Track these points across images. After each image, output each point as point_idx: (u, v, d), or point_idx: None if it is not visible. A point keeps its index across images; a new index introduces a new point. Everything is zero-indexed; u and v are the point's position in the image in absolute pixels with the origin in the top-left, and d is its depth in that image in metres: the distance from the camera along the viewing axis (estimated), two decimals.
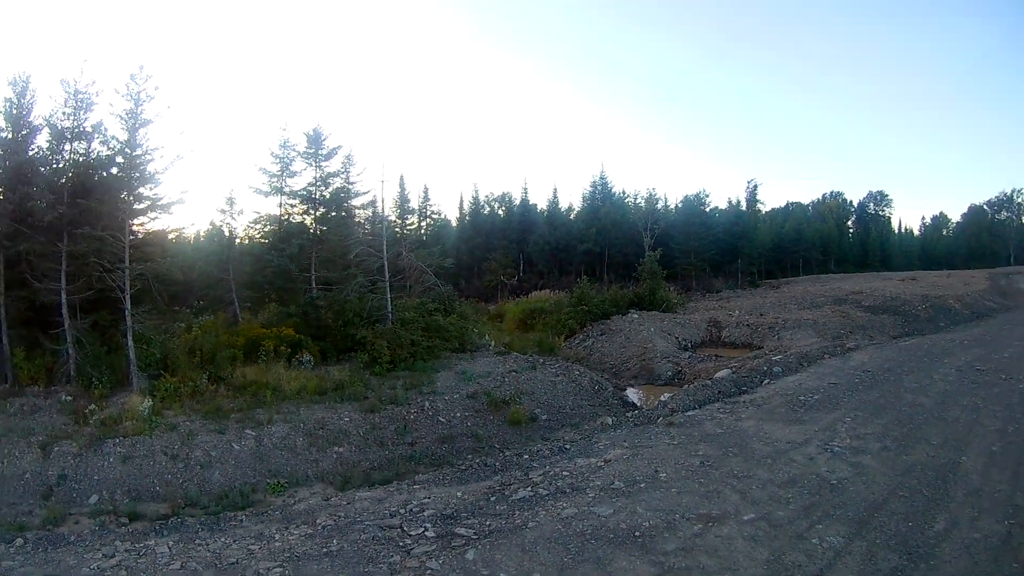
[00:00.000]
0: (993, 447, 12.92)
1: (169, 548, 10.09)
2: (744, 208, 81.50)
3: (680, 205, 77.93)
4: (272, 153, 33.58)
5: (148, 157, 22.99)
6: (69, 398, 19.86)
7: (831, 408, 16.42)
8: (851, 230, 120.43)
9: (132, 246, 22.20)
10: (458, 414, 20.78)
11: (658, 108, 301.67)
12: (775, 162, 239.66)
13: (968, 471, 11.53)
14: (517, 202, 79.84)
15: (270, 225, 34.43)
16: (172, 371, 21.44)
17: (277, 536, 10.28)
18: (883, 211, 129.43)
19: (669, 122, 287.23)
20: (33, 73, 23.12)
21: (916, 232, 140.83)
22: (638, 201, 73.92)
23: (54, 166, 23.41)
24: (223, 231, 34.80)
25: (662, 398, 22.37)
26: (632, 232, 62.77)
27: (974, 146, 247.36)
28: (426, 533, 9.81)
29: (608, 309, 41.87)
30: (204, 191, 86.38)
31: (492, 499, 11.48)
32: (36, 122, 23.19)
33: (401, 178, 69.49)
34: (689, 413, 17.48)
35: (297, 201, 34.25)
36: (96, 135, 23.37)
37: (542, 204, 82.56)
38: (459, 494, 12.04)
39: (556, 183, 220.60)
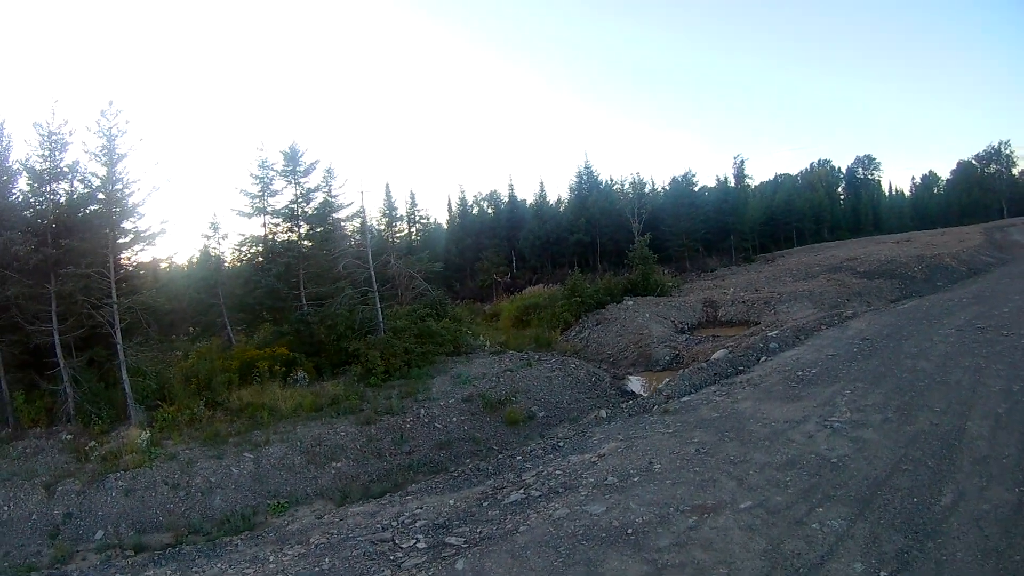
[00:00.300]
0: (998, 409, 12.51)
1: None
2: (732, 184, 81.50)
3: (668, 187, 77.91)
4: (252, 174, 33.54)
5: (128, 191, 23.01)
6: (70, 437, 19.83)
7: (830, 381, 16.08)
8: (842, 197, 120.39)
9: (120, 280, 22.22)
10: (454, 419, 20.75)
11: (638, 92, 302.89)
12: (761, 136, 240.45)
13: (974, 437, 11.16)
14: (505, 199, 79.86)
15: (255, 246, 34.41)
16: (169, 400, 21.48)
17: (271, 558, 10.35)
18: (872, 175, 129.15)
19: (651, 105, 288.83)
20: (6, 118, 23.23)
21: (907, 193, 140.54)
22: (625, 188, 73.71)
23: (37, 208, 23.39)
24: (210, 256, 34.56)
25: (659, 386, 21.97)
26: (622, 219, 62.66)
27: (959, 102, 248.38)
28: (417, 545, 9.80)
29: (602, 298, 41.63)
30: (191, 218, 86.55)
31: (484, 504, 11.42)
32: (14, 167, 23.28)
33: (387, 186, 69.85)
34: (685, 399, 17.19)
35: (280, 220, 34.22)
36: (73, 174, 23.36)
37: (530, 199, 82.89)
38: (452, 502, 12.04)
39: (542, 177, 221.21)
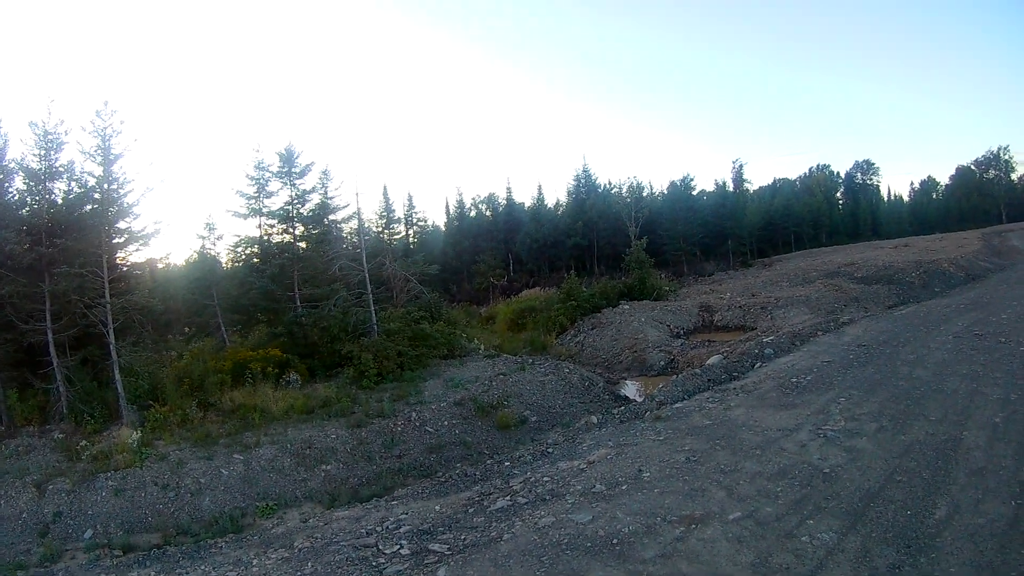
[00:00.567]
0: (995, 419, 12.30)
1: None
2: (731, 188, 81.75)
3: (666, 191, 77.86)
4: (248, 175, 33.49)
5: (123, 191, 23.19)
6: (62, 435, 19.91)
7: (824, 389, 15.89)
8: (840, 202, 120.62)
9: (114, 279, 22.25)
10: (446, 423, 20.67)
11: (637, 95, 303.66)
12: (760, 140, 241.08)
13: (970, 448, 10.95)
14: (502, 202, 79.66)
15: (251, 247, 34.45)
16: (161, 401, 21.40)
17: (255, 562, 10.32)
18: (871, 180, 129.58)
19: (650, 109, 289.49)
20: (3, 117, 23.33)
21: (906, 198, 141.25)
22: (623, 191, 73.64)
23: (33, 207, 23.46)
24: (205, 257, 34.47)
25: (652, 391, 21.80)
26: (619, 223, 62.51)
27: (958, 107, 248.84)
28: (400, 551, 9.74)
29: (598, 302, 41.64)
30: (187, 218, 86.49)
31: (470, 511, 11.33)
32: (10, 166, 23.35)
33: (384, 188, 69.85)
34: (677, 405, 16.98)
35: (276, 221, 34.21)
36: (68, 174, 23.57)
37: (527, 202, 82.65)
38: (438, 507, 11.97)
39: (540, 180, 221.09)
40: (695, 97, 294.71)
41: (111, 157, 22.58)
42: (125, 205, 23.38)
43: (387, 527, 11.02)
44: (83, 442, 18.72)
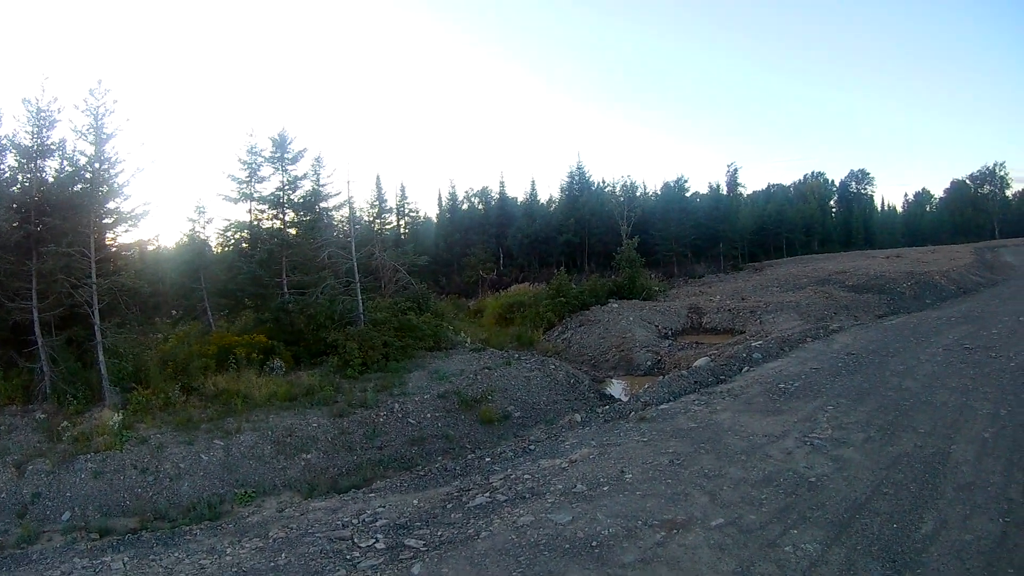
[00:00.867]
0: (985, 433, 12.23)
1: (124, 564, 10.20)
2: (725, 192, 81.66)
3: (659, 192, 77.92)
4: (240, 159, 33.31)
5: (113, 171, 23.05)
6: (44, 416, 19.83)
7: (812, 396, 15.76)
8: (834, 210, 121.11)
9: (101, 260, 22.17)
10: (428, 415, 20.62)
11: (634, 96, 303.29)
12: (756, 145, 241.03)
13: (959, 462, 10.84)
14: (495, 196, 79.72)
15: (240, 231, 34.30)
16: (145, 384, 21.27)
17: (228, 550, 10.24)
18: (865, 189, 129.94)
19: (647, 109, 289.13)
20: None
21: (899, 209, 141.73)
22: (616, 190, 73.55)
23: (23, 184, 23.34)
24: (195, 240, 34.25)
25: (638, 391, 21.63)
26: (612, 221, 62.63)
27: (955, 121, 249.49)
28: (376, 545, 9.64)
29: (587, 299, 41.72)
30: (177, 201, 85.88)
31: (448, 507, 11.20)
32: (3, 142, 23.09)
33: (377, 177, 69.16)
34: (663, 406, 16.77)
35: (266, 206, 34.08)
36: (59, 152, 23.36)
37: (520, 197, 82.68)
38: (415, 502, 11.85)
39: (534, 175, 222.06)
40: (692, 100, 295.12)
41: (103, 136, 22.44)
42: (115, 185, 23.21)
43: (364, 520, 10.94)
44: (64, 423, 18.59)
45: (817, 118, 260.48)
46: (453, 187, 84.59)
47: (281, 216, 34.14)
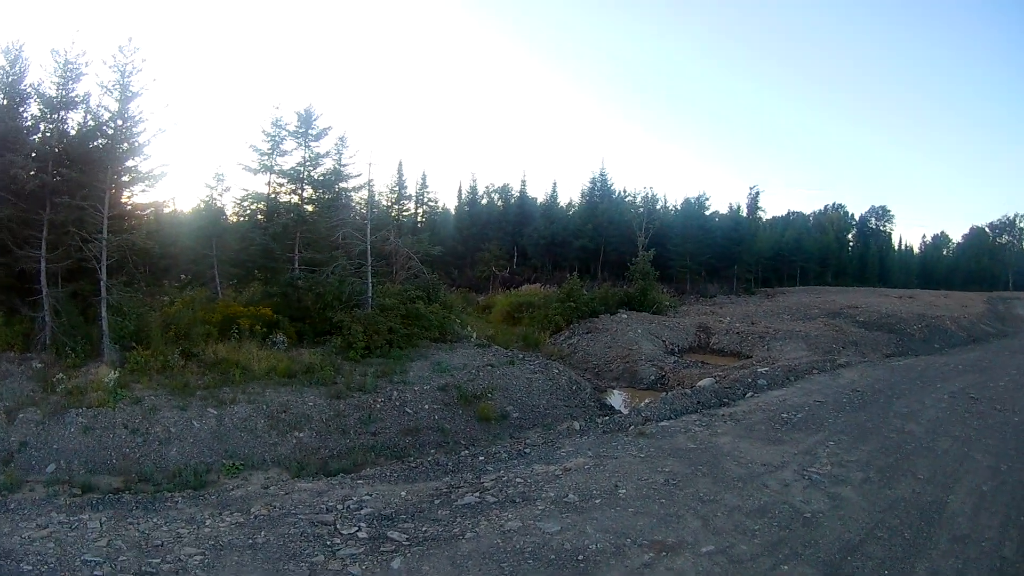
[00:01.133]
0: (984, 486, 12.03)
1: (101, 524, 10.05)
2: (745, 214, 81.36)
3: (679, 207, 77.60)
4: (263, 131, 33.20)
5: (136, 129, 22.98)
6: (41, 365, 19.78)
7: (814, 429, 15.58)
8: (851, 243, 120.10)
9: (114, 217, 22.13)
10: (426, 406, 20.34)
11: (662, 108, 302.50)
12: (778, 170, 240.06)
13: (955, 513, 10.64)
14: (515, 194, 79.55)
15: (257, 203, 34.22)
16: (145, 344, 21.16)
17: (208, 522, 10.11)
18: (884, 226, 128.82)
19: (673, 123, 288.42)
20: (26, 42, 23.24)
21: (916, 250, 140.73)
22: (637, 201, 73.40)
23: (45, 134, 23.34)
24: (211, 207, 34.25)
25: (639, 405, 21.49)
26: (629, 231, 62.31)
27: (979, 168, 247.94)
28: (358, 534, 9.49)
29: (597, 307, 41.49)
30: (197, 167, 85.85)
31: (436, 502, 11.02)
32: (27, 91, 23.23)
33: (399, 163, 69.86)
34: (663, 423, 16.61)
35: (286, 180, 34.02)
36: (82, 105, 23.34)
37: (540, 198, 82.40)
38: (403, 493, 11.68)
39: (556, 177, 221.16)
40: (718, 119, 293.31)
41: (128, 94, 22.44)
42: (136, 144, 23.15)
43: (349, 506, 10.78)
44: (60, 375, 18.54)
45: (842, 151, 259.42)
46: (474, 180, 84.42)
47: (299, 192, 34.07)
